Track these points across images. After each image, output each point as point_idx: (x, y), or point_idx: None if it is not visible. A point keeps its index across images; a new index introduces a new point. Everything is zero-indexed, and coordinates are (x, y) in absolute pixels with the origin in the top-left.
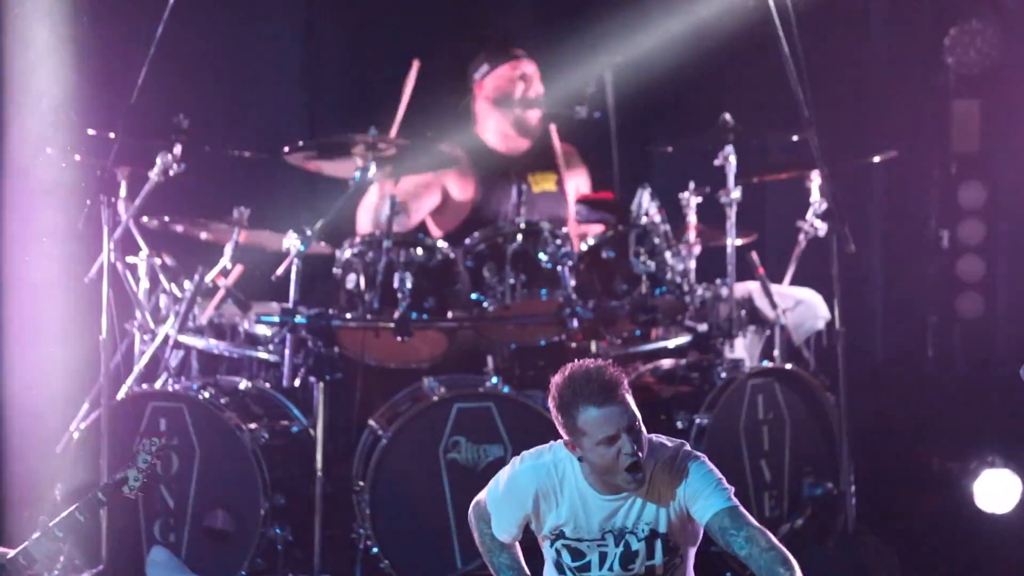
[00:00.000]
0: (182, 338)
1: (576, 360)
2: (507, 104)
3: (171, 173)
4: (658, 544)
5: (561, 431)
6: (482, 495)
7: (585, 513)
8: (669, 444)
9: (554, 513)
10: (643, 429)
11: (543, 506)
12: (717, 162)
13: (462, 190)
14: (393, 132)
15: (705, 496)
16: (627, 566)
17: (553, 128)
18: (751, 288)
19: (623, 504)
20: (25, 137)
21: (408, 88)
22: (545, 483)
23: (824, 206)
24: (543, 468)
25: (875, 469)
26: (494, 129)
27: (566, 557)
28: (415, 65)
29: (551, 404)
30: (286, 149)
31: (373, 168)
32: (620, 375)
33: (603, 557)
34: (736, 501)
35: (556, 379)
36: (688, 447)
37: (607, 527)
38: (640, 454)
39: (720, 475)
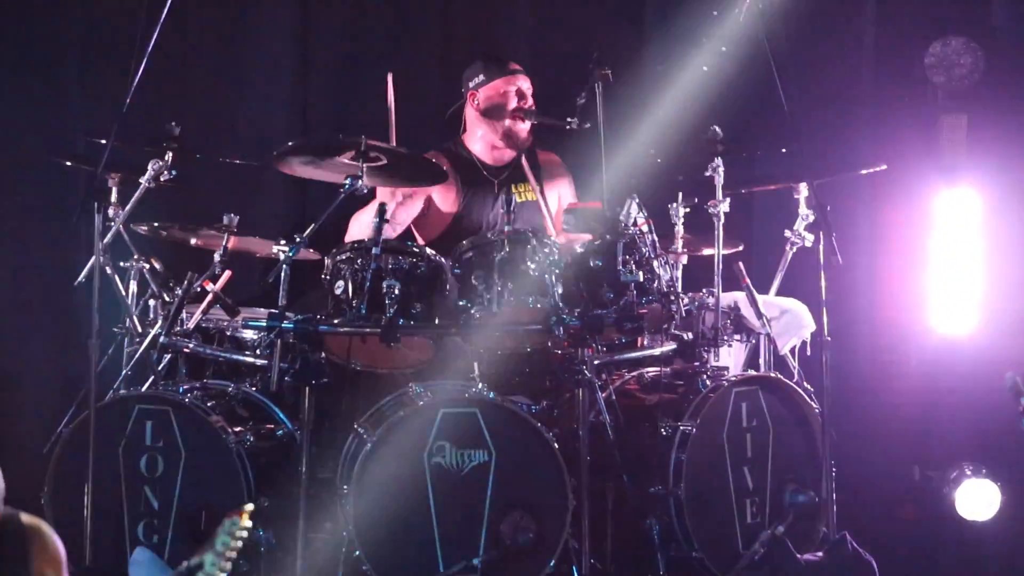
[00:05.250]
0: (170, 342)
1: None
2: (498, 115)
3: (162, 179)
4: None
5: None
6: None
7: None
8: None
9: None
10: None
11: None
12: (706, 173)
13: (445, 199)
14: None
15: None
16: None
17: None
18: (737, 298)
19: None
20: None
21: (391, 102)
22: None
23: (811, 217)
24: None
25: (857, 477)
26: (482, 139)
27: None
28: (389, 78)
29: None
30: (275, 153)
31: (364, 176)
32: None
33: None
34: None
35: None
36: None
37: None
38: None
39: None
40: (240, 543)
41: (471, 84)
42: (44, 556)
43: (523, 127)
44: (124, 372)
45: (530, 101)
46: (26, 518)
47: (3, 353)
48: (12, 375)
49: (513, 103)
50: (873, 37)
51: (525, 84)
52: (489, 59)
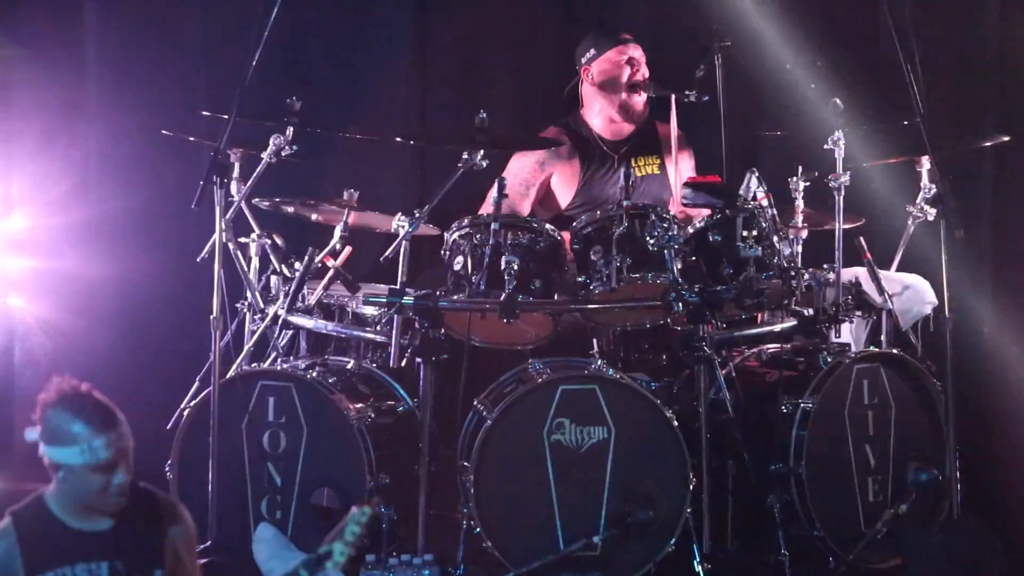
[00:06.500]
0: (291, 318)
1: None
2: (614, 88)
3: (283, 155)
4: None
5: None
6: None
7: None
8: None
9: None
10: None
11: None
12: (826, 147)
13: (564, 175)
14: None
15: None
16: None
17: (673, 105)
18: (858, 273)
19: None
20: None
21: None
22: None
23: (933, 191)
24: None
25: (981, 456)
26: (600, 113)
27: None
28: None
29: None
30: (397, 139)
31: (482, 151)
32: None
33: None
34: None
35: None
36: None
37: None
38: None
39: None
40: (367, 531)
41: (583, 59)
42: (177, 535)
43: (639, 99)
44: (246, 348)
45: (643, 69)
46: (162, 496)
47: (127, 329)
48: (136, 350)
49: (626, 73)
50: (998, 5)
51: (636, 52)
52: (599, 32)
